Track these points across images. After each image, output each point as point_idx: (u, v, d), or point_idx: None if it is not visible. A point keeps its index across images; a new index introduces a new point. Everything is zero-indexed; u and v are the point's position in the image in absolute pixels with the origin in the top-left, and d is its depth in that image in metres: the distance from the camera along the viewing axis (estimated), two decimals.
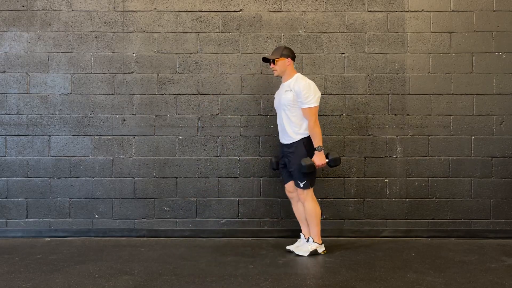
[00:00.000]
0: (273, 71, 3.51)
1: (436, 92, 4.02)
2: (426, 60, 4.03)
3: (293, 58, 3.48)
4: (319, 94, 3.41)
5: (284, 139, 3.50)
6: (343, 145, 4.03)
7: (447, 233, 4.00)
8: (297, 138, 3.40)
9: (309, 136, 3.39)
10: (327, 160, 3.39)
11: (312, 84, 3.40)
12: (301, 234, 3.59)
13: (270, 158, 3.76)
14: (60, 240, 3.93)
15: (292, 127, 3.41)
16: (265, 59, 3.54)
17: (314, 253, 3.41)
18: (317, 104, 3.38)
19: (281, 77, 3.52)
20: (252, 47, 4.03)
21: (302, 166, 3.31)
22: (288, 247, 3.55)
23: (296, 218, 3.65)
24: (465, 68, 4.03)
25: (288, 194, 3.62)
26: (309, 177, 3.39)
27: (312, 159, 3.34)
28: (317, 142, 3.34)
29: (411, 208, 4.02)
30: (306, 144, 3.39)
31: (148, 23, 4.03)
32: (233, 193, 4.03)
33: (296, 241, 3.60)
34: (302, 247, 3.47)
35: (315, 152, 3.35)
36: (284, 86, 3.48)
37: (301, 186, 3.39)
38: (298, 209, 3.58)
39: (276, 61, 3.44)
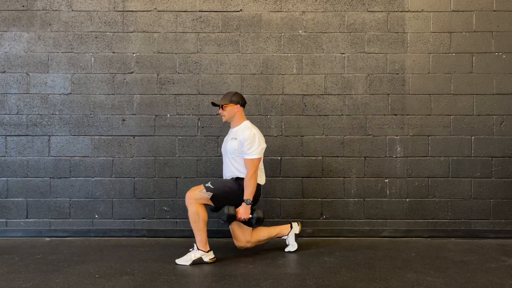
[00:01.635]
0: (221, 116, 3.44)
1: (436, 92, 4.02)
2: (426, 60, 4.03)
3: (242, 104, 3.41)
4: (263, 146, 3.32)
5: (227, 176, 3.42)
6: (343, 145, 4.03)
7: (447, 233, 4.00)
8: (237, 175, 3.33)
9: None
10: (250, 216, 3.27)
11: (258, 134, 3.31)
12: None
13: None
14: (60, 240, 3.93)
15: (236, 172, 3.33)
16: (214, 104, 3.47)
17: (197, 262, 3.21)
18: (260, 156, 3.27)
19: (230, 122, 3.45)
20: (252, 47, 4.03)
21: (223, 213, 3.23)
22: (286, 250, 3.55)
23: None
24: (465, 68, 4.03)
25: (237, 244, 3.44)
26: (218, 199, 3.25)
27: (237, 209, 3.25)
28: (248, 194, 3.23)
29: (411, 208, 4.02)
30: (242, 185, 3.29)
31: (148, 23, 4.03)
32: None
33: (288, 244, 3.56)
34: (185, 256, 3.26)
35: (243, 203, 3.24)
36: (231, 132, 3.43)
37: (206, 185, 3.24)
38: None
39: (225, 107, 3.37)
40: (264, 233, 3.50)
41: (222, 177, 3.59)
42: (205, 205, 3.27)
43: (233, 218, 3.25)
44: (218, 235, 3.99)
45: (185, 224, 4.00)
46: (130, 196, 4.03)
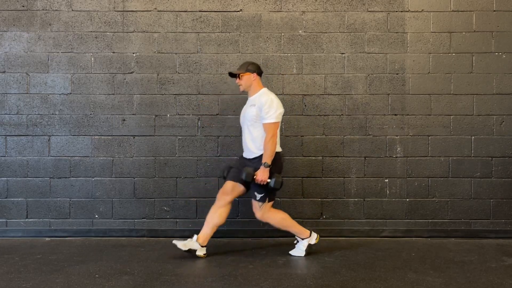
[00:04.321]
0: (239, 86, 3.47)
1: (436, 92, 4.03)
2: (426, 60, 4.03)
3: (259, 73, 3.44)
4: (281, 110, 3.34)
5: (246, 154, 3.43)
6: (343, 145, 4.03)
7: (447, 233, 4.00)
8: (258, 153, 3.33)
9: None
10: (268, 180, 3.26)
11: (275, 99, 3.33)
12: (194, 235, 3.43)
13: (222, 167, 3.59)
14: (60, 240, 3.93)
15: (255, 142, 3.35)
16: (232, 74, 3.49)
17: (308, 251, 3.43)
18: (277, 120, 3.29)
19: (247, 92, 3.48)
20: (252, 47, 4.03)
21: (241, 172, 3.26)
22: (291, 252, 3.50)
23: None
24: (465, 68, 4.03)
25: (219, 195, 3.44)
26: (268, 192, 3.30)
27: (256, 172, 3.25)
28: (266, 158, 3.25)
29: (411, 208, 4.02)
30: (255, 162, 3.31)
31: (148, 23, 4.03)
32: None
33: (296, 247, 3.53)
34: (297, 249, 3.46)
35: (261, 167, 3.25)
36: (249, 101, 3.45)
37: (258, 198, 3.31)
38: (213, 214, 3.42)
39: (242, 76, 3.40)
40: (281, 220, 3.44)
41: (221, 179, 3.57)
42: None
43: (250, 177, 3.23)
44: (218, 235, 3.98)
45: (185, 224, 4.01)
46: (130, 196, 4.03)
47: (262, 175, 3.25)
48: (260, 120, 3.32)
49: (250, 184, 3.35)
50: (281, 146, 3.99)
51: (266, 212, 3.37)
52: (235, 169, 3.43)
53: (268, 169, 3.26)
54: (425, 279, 2.86)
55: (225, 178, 3.49)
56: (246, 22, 4.04)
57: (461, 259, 3.34)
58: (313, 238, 3.47)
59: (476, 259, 3.35)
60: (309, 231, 3.48)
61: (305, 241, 3.44)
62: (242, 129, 3.50)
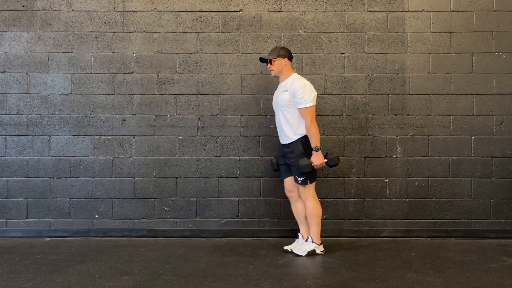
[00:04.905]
0: (270, 71, 3.52)
1: (436, 92, 4.03)
2: (426, 60, 4.03)
3: (290, 58, 3.48)
4: (315, 93, 3.40)
5: (283, 139, 3.51)
6: (343, 145, 4.03)
7: (447, 233, 4.00)
8: (294, 138, 3.41)
9: (306, 135, 3.39)
10: (325, 160, 3.38)
11: (308, 83, 3.39)
12: (299, 234, 3.60)
13: (271, 159, 3.76)
14: (60, 240, 3.93)
15: (289, 127, 3.41)
16: (263, 59, 3.54)
17: (312, 254, 3.41)
18: (313, 103, 3.36)
19: (279, 77, 3.53)
20: (252, 47, 4.03)
21: (300, 166, 3.31)
22: (286, 247, 3.55)
23: (295, 219, 3.64)
24: (465, 68, 4.03)
25: (287, 194, 3.61)
26: (308, 174, 3.38)
27: (311, 159, 3.34)
28: (314, 142, 3.33)
29: (411, 208, 4.02)
30: (304, 143, 3.39)
31: (148, 23, 4.03)
32: (233, 193, 4.03)
33: (294, 241, 3.60)
34: (301, 246, 3.47)
35: (313, 152, 3.34)
36: (281, 86, 3.50)
37: (299, 182, 3.39)
38: (297, 209, 3.57)
39: (273, 61, 3.45)
40: (318, 218, 3.44)
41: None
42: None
43: (309, 167, 3.30)
44: (218, 235, 3.99)
45: (185, 224, 4.01)
46: (130, 196, 4.03)
47: (318, 159, 3.33)
48: (295, 105, 3.36)
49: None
50: None
51: (311, 194, 3.42)
52: (284, 165, 3.52)
53: (320, 151, 3.34)
54: (425, 279, 2.86)
55: (275, 170, 3.67)
56: (246, 22, 4.04)
57: (461, 259, 3.34)
58: (321, 248, 3.46)
59: (476, 259, 3.35)
60: (321, 240, 3.48)
61: (313, 244, 3.43)
62: (276, 113, 3.58)
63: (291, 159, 3.41)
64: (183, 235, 3.99)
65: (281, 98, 3.43)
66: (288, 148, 3.44)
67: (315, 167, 3.35)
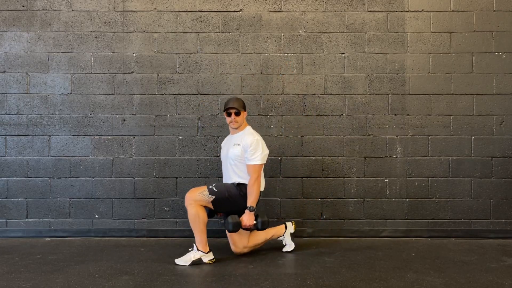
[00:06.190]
0: (231, 123, 3.34)
1: (436, 92, 4.03)
2: (426, 60, 4.03)
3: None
4: (266, 152, 3.33)
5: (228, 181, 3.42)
6: (343, 145, 4.03)
7: (447, 233, 4.00)
8: (238, 181, 3.32)
9: (246, 185, 3.28)
10: (255, 222, 3.25)
11: (260, 140, 3.31)
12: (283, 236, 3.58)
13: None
14: (60, 240, 3.93)
15: (239, 178, 3.32)
16: (228, 109, 3.31)
17: (197, 262, 3.21)
18: (263, 162, 3.27)
19: (235, 129, 3.39)
20: (252, 47, 4.03)
21: (228, 223, 3.20)
22: (284, 249, 3.56)
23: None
24: (465, 68, 4.03)
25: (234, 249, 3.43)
26: (232, 227, 3.22)
27: (241, 218, 3.24)
28: (251, 201, 3.22)
29: (411, 208, 4.02)
30: (242, 189, 3.28)
31: (148, 23, 4.03)
32: None
33: (285, 244, 3.57)
34: (185, 256, 3.23)
35: (246, 211, 3.23)
36: (233, 138, 3.39)
37: (210, 187, 3.25)
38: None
39: (242, 113, 3.35)
40: (260, 236, 3.48)
41: (222, 178, 3.59)
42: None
43: (238, 226, 3.22)
44: (218, 235, 3.99)
45: (185, 224, 4.00)
46: (130, 196, 4.03)
47: (248, 220, 3.22)
48: (244, 161, 3.28)
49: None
50: (281, 145, 4.01)
51: (197, 201, 3.19)
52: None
53: (253, 212, 3.24)
54: (425, 279, 2.86)
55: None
56: (246, 22, 4.04)
57: (461, 259, 3.34)
58: (208, 258, 3.22)
59: (476, 259, 3.35)
60: (209, 248, 3.24)
61: (198, 253, 3.20)
62: (224, 164, 3.46)
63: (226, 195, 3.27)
64: (183, 235, 3.99)
65: (232, 152, 3.31)
66: (232, 188, 3.32)
67: (243, 227, 3.25)
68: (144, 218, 4.04)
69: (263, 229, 3.32)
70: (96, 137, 4.03)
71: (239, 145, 3.30)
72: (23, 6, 4.03)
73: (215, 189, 3.25)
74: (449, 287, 2.73)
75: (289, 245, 3.55)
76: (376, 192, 4.03)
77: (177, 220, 4.03)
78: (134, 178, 4.03)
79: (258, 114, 4.03)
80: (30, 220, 4.02)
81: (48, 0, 4.03)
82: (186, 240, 3.90)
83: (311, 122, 4.03)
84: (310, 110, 4.03)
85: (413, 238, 3.98)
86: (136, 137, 4.03)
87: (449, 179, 4.02)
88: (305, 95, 4.03)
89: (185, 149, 4.03)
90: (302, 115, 4.03)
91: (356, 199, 4.03)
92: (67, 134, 4.02)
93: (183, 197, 4.01)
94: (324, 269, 3.08)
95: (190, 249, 3.31)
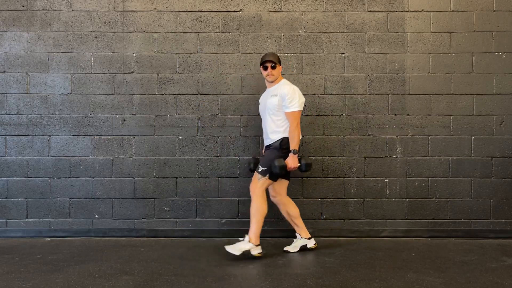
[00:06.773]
0: (269, 75, 3.49)
1: (436, 92, 4.03)
2: (426, 60, 4.03)
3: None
4: (303, 99, 3.47)
5: (267, 141, 3.54)
6: (343, 145, 4.03)
7: (447, 233, 4.00)
8: (276, 138, 3.44)
9: (287, 137, 3.41)
10: (299, 164, 3.40)
11: (296, 89, 3.47)
12: (296, 234, 3.61)
13: (248, 159, 3.71)
14: (60, 240, 3.93)
15: (275, 128, 3.45)
16: (265, 62, 3.47)
17: (246, 253, 3.29)
18: (300, 108, 3.42)
19: (270, 82, 3.54)
20: (252, 47, 4.03)
21: (275, 166, 3.31)
22: (285, 248, 3.56)
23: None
24: (465, 68, 4.03)
25: (272, 199, 3.62)
26: (276, 172, 3.34)
27: (286, 161, 3.35)
28: (293, 145, 3.37)
29: (411, 208, 4.02)
30: (283, 144, 3.41)
31: (148, 23, 4.03)
32: (233, 193, 4.03)
33: (293, 241, 3.61)
34: (236, 245, 3.31)
35: (290, 154, 3.37)
36: (270, 91, 3.54)
37: (259, 170, 3.38)
38: (285, 213, 3.61)
39: (278, 66, 3.50)
40: (294, 211, 3.57)
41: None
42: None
43: (284, 168, 3.31)
44: (218, 235, 3.99)
45: (185, 224, 4.01)
46: (130, 196, 4.03)
47: (292, 162, 3.35)
48: (283, 109, 3.41)
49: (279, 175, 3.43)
50: None
51: (260, 191, 3.36)
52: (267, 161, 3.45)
53: (296, 155, 3.37)
54: (425, 279, 2.86)
55: (251, 171, 3.59)
56: (246, 22, 4.04)
57: (461, 259, 3.34)
58: (258, 250, 3.32)
59: (476, 259, 3.35)
60: (259, 242, 3.34)
61: (249, 245, 3.29)
62: (263, 117, 3.61)
63: (266, 155, 3.44)
64: (183, 235, 4.00)
65: (269, 102, 3.47)
66: (269, 149, 3.48)
67: (288, 169, 3.37)
68: (144, 218, 4.04)
69: (306, 170, 3.44)
70: (96, 137, 4.03)
71: (276, 95, 3.44)
72: (23, 6, 4.03)
73: (262, 168, 3.37)
74: (449, 287, 2.73)
75: (293, 248, 3.55)
76: (376, 192, 4.03)
77: (177, 220, 4.03)
78: (134, 178, 4.03)
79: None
80: (30, 220, 4.02)
81: (48, 0, 4.03)
82: (186, 240, 3.91)
83: (311, 122, 4.03)
84: (310, 110, 4.03)
85: (413, 238, 3.98)
86: (136, 137, 4.03)
87: (449, 179, 4.02)
88: (305, 95, 4.01)
89: (185, 149, 4.03)
90: (302, 115, 4.01)
91: (356, 199, 4.03)
92: (67, 134, 4.02)
93: (183, 197, 4.03)
94: (324, 269, 3.08)
95: (240, 238, 3.41)
